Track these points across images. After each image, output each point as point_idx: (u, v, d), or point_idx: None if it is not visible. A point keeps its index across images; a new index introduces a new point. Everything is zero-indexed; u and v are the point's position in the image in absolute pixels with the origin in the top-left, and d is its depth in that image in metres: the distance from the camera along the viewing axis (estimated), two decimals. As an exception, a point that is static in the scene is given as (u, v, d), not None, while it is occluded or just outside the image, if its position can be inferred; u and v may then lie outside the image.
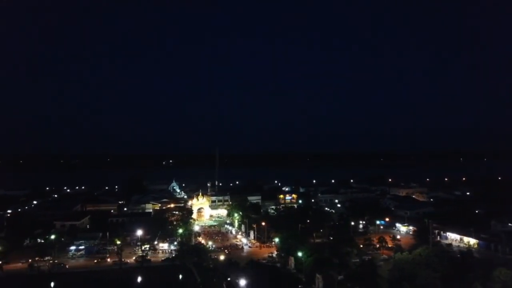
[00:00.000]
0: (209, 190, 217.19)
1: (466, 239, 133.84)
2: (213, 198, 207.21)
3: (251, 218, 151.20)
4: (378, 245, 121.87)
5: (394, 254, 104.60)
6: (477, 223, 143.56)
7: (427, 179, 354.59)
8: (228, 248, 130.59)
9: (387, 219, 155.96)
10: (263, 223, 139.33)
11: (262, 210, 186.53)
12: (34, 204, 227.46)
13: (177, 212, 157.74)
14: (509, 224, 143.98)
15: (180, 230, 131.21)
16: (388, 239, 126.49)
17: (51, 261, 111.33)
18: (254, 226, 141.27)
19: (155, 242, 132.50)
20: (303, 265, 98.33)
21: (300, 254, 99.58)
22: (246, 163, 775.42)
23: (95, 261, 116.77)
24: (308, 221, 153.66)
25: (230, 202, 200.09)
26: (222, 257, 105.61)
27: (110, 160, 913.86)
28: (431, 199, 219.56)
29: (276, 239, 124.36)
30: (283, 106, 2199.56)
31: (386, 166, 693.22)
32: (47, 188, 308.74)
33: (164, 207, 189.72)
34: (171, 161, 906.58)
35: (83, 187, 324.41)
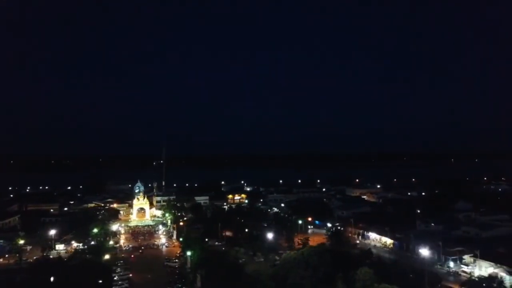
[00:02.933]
0: (154, 190, 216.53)
1: (384, 239, 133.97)
2: (158, 198, 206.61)
3: (176, 218, 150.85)
4: (286, 245, 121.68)
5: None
6: (404, 223, 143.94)
7: (395, 180, 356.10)
8: (143, 248, 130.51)
9: (309, 219, 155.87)
10: (181, 223, 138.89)
11: (206, 211, 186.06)
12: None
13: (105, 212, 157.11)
14: (432, 225, 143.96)
15: (95, 230, 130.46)
16: (299, 238, 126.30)
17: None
18: (174, 226, 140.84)
19: (72, 241, 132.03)
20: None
21: (189, 253, 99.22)
22: (233, 163, 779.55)
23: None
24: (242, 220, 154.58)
25: (175, 203, 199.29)
26: (107, 256, 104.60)
27: (102, 160, 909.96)
28: (380, 200, 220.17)
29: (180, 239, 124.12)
30: (277, 107, 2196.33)
31: (374, 166, 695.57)
32: (10, 188, 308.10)
33: (105, 207, 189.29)
34: (161, 161, 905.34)
35: (46, 187, 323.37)
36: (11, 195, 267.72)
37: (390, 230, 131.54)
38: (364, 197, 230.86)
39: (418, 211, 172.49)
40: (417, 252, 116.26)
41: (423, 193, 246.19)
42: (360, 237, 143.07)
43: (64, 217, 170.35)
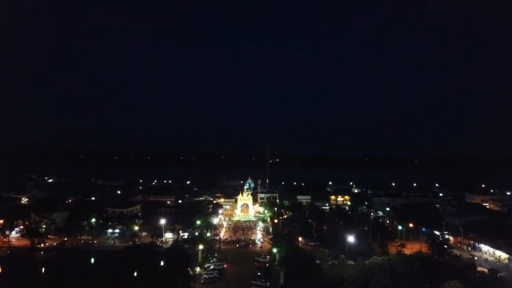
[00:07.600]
0: (258, 187, 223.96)
1: (498, 252, 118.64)
2: (261, 195, 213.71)
3: (275, 215, 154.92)
4: (380, 250, 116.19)
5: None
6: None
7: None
8: (240, 241, 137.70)
9: (411, 225, 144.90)
10: (278, 220, 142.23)
11: (305, 210, 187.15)
12: (118, 193, 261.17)
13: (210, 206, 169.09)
14: None
15: (198, 222, 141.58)
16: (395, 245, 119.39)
17: (82, 240, 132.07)
18: (270, 222, 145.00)
19: (180, 231, 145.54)
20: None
21: (274, 250, 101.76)
22: (343, 163, 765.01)
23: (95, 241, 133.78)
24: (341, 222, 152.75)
25: (277, 200, 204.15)
26: (201, 247, 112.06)
27: (223, 157, 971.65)
28: (505, 209, 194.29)
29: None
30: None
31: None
32: (141, 181, 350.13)
33: (213, 201, 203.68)
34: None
35: (169, 181, 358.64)
36: (140, 187, 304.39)
37: (506, 243, 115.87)
38: (486, 204, 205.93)
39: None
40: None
41: None
42: (470, 248, 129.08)
43: (176, 208, 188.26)
